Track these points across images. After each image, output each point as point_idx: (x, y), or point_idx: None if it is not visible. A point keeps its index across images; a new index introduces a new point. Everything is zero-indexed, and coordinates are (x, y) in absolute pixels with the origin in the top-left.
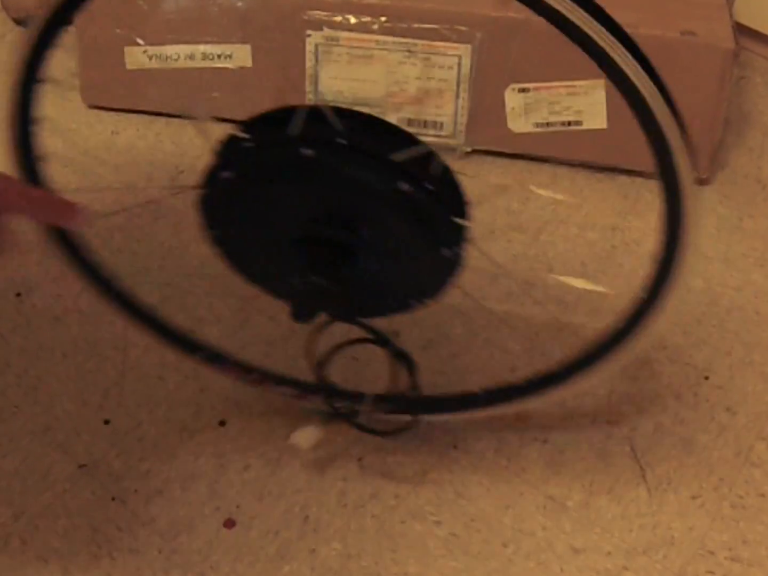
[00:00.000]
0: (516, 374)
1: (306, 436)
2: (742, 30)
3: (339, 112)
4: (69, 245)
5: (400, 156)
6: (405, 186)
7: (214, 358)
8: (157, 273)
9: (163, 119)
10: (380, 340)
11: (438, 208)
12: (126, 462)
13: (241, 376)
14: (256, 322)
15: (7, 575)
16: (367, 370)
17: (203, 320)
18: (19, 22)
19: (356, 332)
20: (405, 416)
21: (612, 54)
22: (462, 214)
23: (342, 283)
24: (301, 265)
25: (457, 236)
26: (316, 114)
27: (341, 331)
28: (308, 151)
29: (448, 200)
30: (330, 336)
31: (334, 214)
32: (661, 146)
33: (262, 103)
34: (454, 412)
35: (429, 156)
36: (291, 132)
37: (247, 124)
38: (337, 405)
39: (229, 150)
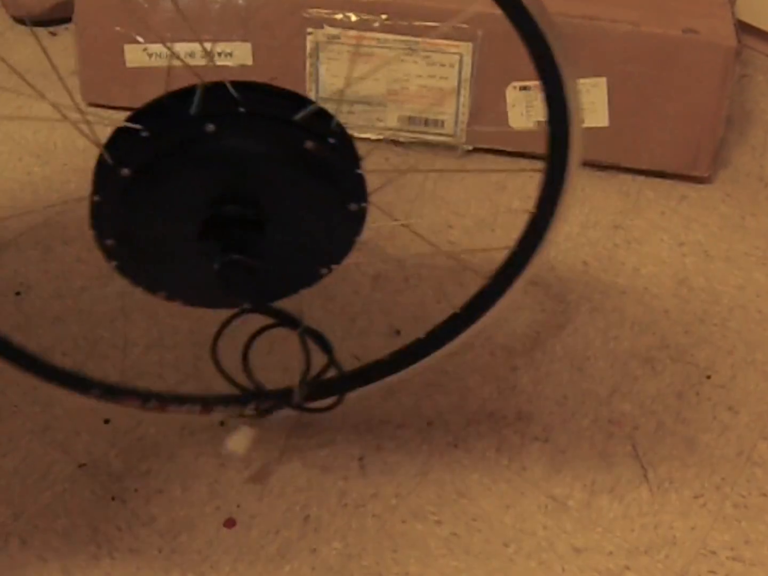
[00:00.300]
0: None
1: (239, 440)
2: (744, 28)
3: (233, 85)
4: None
5: (298, 116)
6: (310, 144)
7: (110, 392)
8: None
9: None
10: (292, 322)
11: (343, 162)
12: (126, 461)
13: (140, 405)
14: (141, 350)
15: (7, 575)
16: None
17: (91, 356)
18: (18, 20)
19: (254, 325)
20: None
21: None
22: (359, 168)
23: (255, 261)
24: (211, 251)
25: (361, 189)
26: (210, 92)
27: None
28: (210, 126)
29: (347, 155)
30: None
31: (240, 190)
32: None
33: None
34: (373, 382)
35: (322, 114)
36: (191, 112)
37: (137, 115)
38: (259, 405)
39: (120, 145)
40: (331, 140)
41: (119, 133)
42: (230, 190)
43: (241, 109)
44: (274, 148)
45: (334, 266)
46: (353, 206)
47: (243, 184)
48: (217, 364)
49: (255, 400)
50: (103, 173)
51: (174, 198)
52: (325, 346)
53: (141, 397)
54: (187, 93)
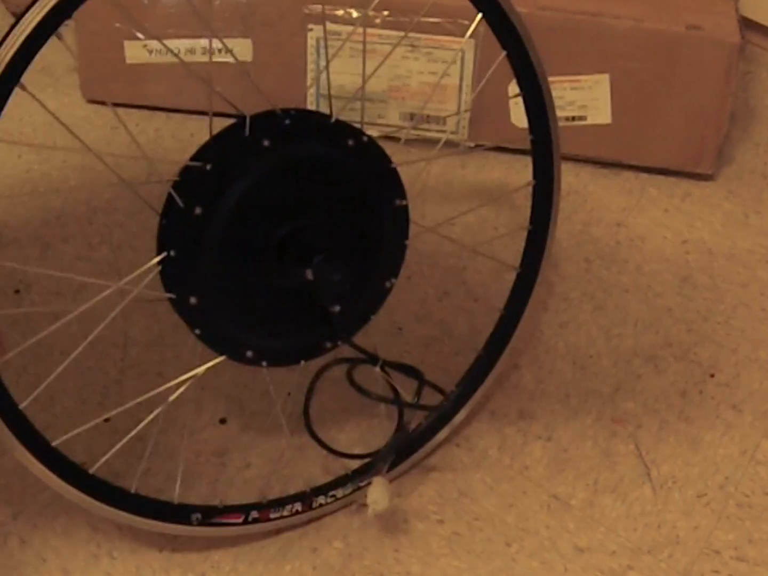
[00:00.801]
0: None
1: (379, 494)
2: (748, 24)
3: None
4: None
5: (333, 119)
6: (351, 141)
7: (209, 515)
8: None
9: (163, 114)
10: (372, 359)
11: (382, 155)
12: (126, 460)
13: (243, 520)
14: (141, 348)
15: (6, 574)
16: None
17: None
18: (17, 16)
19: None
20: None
21: None
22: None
23: (341, 278)
24: (295, 278)
25: (399, 185)
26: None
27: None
28: (266, 141)
29: (379, 152)
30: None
31: (305, 202)
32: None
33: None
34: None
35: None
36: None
37: (195, 157)
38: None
39: (186, 187)
40: (365, 138)
41: (183, 176)
42: (297, 204)
43: (287, 122)
44: (324, 149)
45: (394, 279)
46: (398, 202)
47: (307, 195)
48: (313, 435)
49: (350, 482)
50: (171, 224)
51: (248, 225)
52: (417, 374)
53: (243, 512)
54: (231, 128)
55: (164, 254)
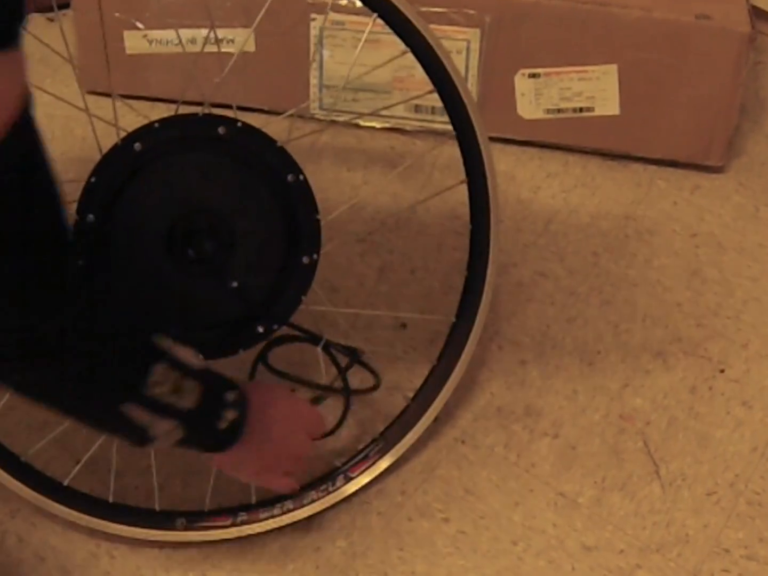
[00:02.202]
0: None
1: None
2: (758, 14)
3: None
4: None
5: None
6: (221, 130)
7: (195, 520)
8: None
9: (163, 105)
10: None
11: (263, 137)
12: (125, 458)
13: (231, 522)
14: None
15: (5, 573)
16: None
17: None
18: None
19: None
20: None
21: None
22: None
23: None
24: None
25: (289, 160)
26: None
27: None
28: (137, 145)
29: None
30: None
31: (185, 195)
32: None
33: (265, 88)
34: None
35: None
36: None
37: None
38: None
39: (82, 200)
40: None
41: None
42: (183, 197)
43: (156, 125)
44: (195, 141)
45: (315, 255)
46: (291, 178)
47: (189, 187)
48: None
49: (341, 473)
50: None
51: (138, 223)
52: (354, 354)
53: (231, 515)
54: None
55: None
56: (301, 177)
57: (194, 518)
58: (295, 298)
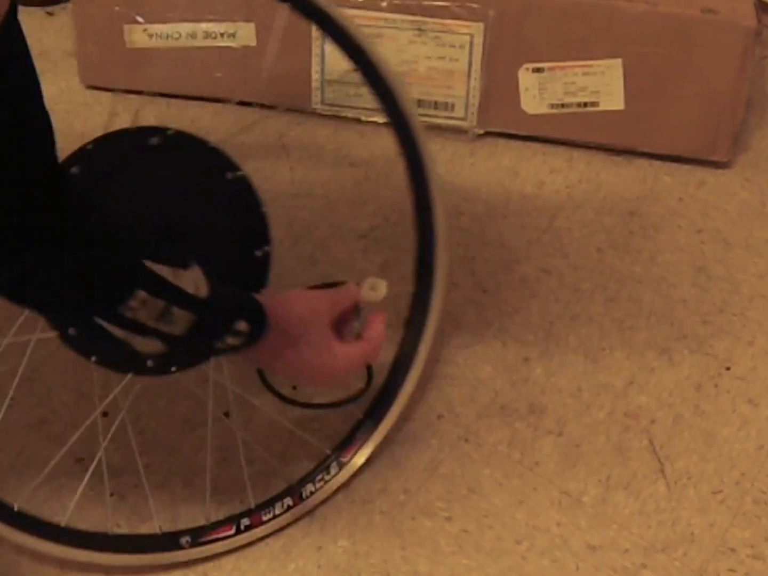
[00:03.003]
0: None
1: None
2: (764, 8)
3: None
4: None
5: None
6: (154, 140)
7: (199, 535)
8: None
9: (164, 100)
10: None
11: (196, 140)
12: (125, 456)
13: (235, 531)
14: None
15: (3, 573)
16: None
17: None
18: None
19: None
20: None
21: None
22: None
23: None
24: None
25: (225, 159)
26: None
27: None
28: (74, 169)
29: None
30: None
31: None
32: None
33: (267, 83)
34: None
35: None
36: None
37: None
38: None
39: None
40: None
41: None
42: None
43: (89, 146)
44: (129, 155)
45: (267, 247)
46: (230, 175)
47: (135, 197)
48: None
49: (334, 461)
50: None
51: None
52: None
53: (233, 523)
54: None
55: None
56: (240, 173)
57: (198, 534)
58: (255, 291)
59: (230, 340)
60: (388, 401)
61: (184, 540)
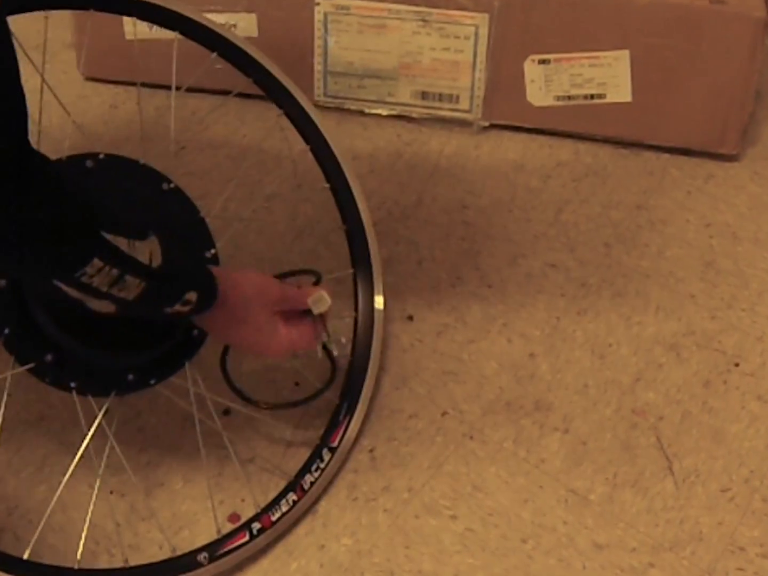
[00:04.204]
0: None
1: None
2: None
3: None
4: None
5: None
6: (89, 163)
7: (216, 548)
8: None
9: (164, 92)
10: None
11: (127, 163)
12: (125, 453)
13: (250, 536)
14: None
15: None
16: None
17: None
18: None
19: None
20: None
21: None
22: None
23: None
24: None
25: (156, 174)
26: None
27: None
28: None
29: None
30: None
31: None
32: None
33: None
34: None
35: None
36: None
37: None
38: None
39: None
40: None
41: None
42: None
43: None
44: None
45: (213, 249)
46: (166, 186)
47: None
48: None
49: (325, 446)
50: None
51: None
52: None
53: (246, 529)
54: None
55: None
56: (172, 185)
57: (214, 548)
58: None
59: (179, 308)
60: (359, 378)
61: (202, 557)
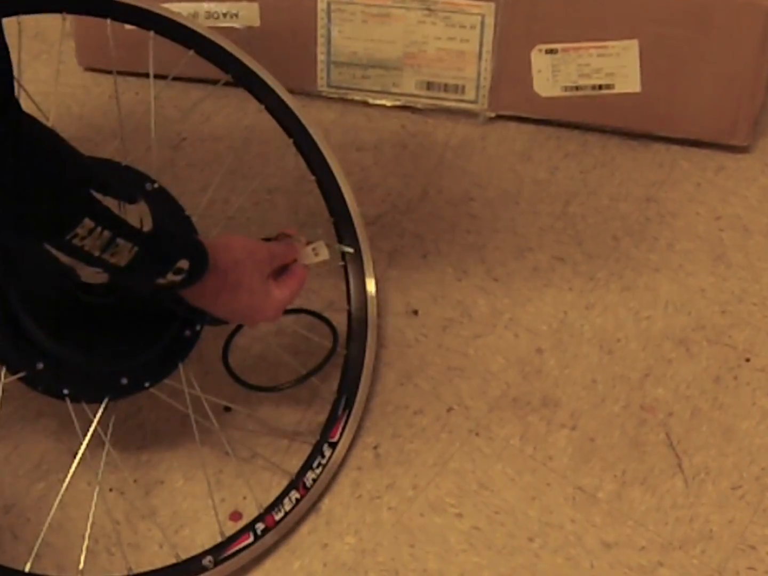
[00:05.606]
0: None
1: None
2: None
3: None
4: None
5: None
6: None
7: (221, 550)
8: None
9: (163, 82)
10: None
11: (111, 165)
12: (124, 451)
13: (254, 538)
14: None
15: None
16: None
17: None
18: None
19: None
20: None
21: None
22: None
23: None
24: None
25: (141, 174)
26: None
27: None
28: None
29: None
30: None
31: None
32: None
33: (270, 65)
34: None
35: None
36: None
37: None
38: None
39: None
40: None
41: None
42: None
43: None
44: None
45: None
46: (150, 186)
47: None
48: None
49: (325, 442)
50: None
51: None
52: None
53: (250, 530)
54: None
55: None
56: (156, 185)
57: (219, 551)
58: None
59: (171, 277)
60: (356, 371)
61: (207, 560)
